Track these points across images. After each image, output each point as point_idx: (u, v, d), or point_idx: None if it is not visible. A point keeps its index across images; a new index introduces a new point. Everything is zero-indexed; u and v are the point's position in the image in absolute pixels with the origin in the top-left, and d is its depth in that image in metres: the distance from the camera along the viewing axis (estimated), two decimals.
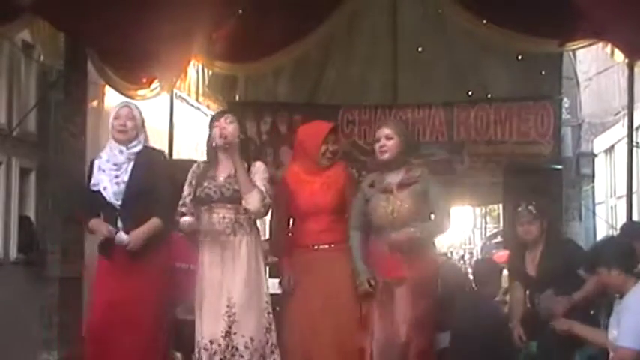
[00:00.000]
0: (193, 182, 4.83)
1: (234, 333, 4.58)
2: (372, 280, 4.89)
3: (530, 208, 5.46)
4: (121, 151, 4.93)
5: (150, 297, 4.82)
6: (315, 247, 5.07)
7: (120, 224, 4.86)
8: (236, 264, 4.68)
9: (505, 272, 6.15)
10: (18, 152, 6.44)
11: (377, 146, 5.04)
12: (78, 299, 6.17)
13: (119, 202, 4.86)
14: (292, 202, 5.13)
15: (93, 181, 4.90)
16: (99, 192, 4.87)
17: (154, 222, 4.84)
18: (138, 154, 4.95)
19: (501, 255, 8.42)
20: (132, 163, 4.91)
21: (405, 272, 4.84)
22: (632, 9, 5.65)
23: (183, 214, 4.80)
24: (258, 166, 4.84)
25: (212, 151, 4.86)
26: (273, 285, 5.71)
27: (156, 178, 4.86)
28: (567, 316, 5.11)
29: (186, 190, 4.85)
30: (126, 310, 4.74)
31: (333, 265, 5.03)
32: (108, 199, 4.86)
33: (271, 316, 4.77)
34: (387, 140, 4.99)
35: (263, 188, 4.71)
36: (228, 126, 4.77)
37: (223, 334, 4.56)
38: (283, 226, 5.25)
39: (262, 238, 5.08)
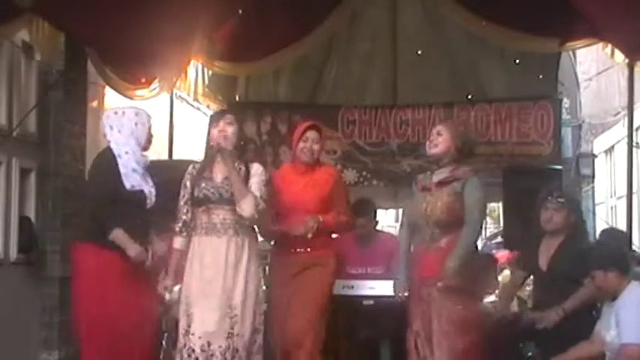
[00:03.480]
0: (188, 184, 4.77)
1: (236, 334, 4.57)
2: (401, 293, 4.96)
3: (560, 197, 5.37)
4: (144, 156, 4.89)
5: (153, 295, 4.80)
6: (292, 249, 5.02)
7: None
8: (238, 265, 4.64)
9: (506, 272, 6.11)
10: (18, 152, 6.43)
11: (427, 143, 5.00)
12: None
13: (153, 205, 4.81)
14: (275, 199, 5.04)
15: (132, 182, 4.73)
16: (137, 192, 4.74)
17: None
18: None
19: (501, 255, 8.41)
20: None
21: (440, 273, 4.70)
22: (633, 9, 5.66)
23: (178, 231, 4.74)
24: (256, 169, 4.79)
25: (210, 151, 4.81)
26: None
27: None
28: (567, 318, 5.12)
29: (182, 192, 4.79)
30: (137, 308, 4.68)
31: (306, 271, 4.96)
32: (150, 201, 4.79)
33: (262, 317, 4.77)
34: (438, 136, 4.94)
35: (258, 192, 4.67)
36: (228, 127, 4.73)
37: (226, 335, 4.55)
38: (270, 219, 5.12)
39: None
